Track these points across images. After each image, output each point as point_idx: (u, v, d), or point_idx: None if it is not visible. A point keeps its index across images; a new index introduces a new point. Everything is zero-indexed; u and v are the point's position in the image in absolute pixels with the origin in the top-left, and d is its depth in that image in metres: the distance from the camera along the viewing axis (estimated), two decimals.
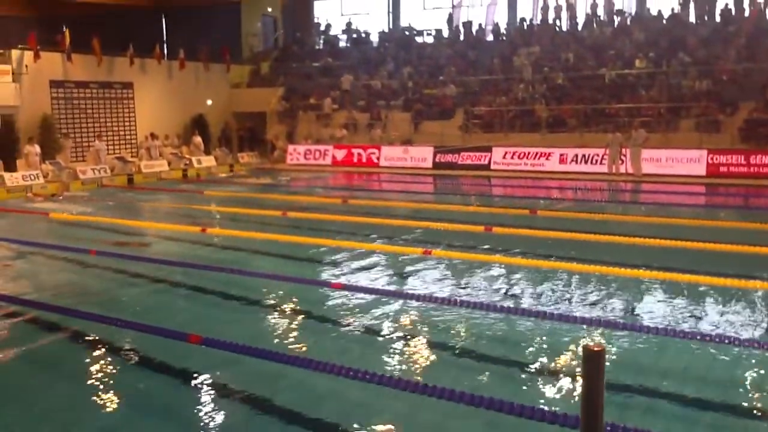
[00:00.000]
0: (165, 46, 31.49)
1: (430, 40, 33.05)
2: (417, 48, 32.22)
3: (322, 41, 35.75)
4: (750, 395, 5.50)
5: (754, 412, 5.25)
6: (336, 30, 35.81)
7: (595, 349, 2.18)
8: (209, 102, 29.50)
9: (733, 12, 26.66)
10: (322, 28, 36.29)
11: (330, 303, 8.18)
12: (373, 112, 27.83)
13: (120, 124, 26.08)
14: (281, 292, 8.56)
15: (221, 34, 31.62)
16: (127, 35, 27.13)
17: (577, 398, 5.05)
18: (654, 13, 28.65)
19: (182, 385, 5.84)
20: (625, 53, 25.72)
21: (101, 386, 5.87)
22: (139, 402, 5.61)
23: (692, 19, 27.65)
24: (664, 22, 27.61)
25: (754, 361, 6.13)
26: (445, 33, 32.80)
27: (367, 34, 34.66)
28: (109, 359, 6.47)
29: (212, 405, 5.45)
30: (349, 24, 35.09)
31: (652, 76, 24.09)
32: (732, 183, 18.73)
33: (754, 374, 5.87)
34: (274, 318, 7.76)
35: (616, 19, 29.08)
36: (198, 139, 26.57)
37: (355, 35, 34.72)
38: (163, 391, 5.80)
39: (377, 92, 29.05)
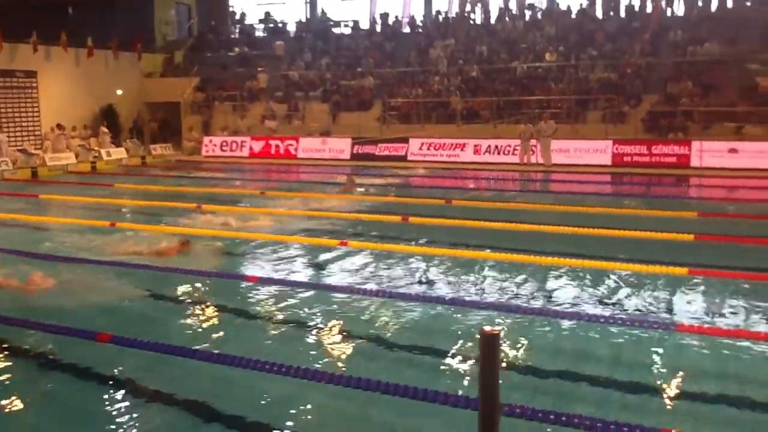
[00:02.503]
0: (72, 33, 30.14)
1: (347, 31, 33.04)
2: (335, 39, 32.14)
3: (237, 30, 35.16)
4: (656, 375, 5.78)
5: (661, 391, 5.50)
6: (252, 19, 35.31)
7: (491, 332, 2.27)
8: (119, 92, 28.50)
9: (637, 8, 27.91)
10: (238, 17, 35.68)
11: (245, 296, 8.10)
12: (290, 104, 27.60)
13: (23, 114, 24.84)
14: (195, 287, 8.40)
15: (132, 22, 30.59)
16: (30, 21, 25.80)
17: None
18: (564, 8, 29.63)
19: (90, 385, 5.66)
20: (536, 47, 26.50)
21: (4, 390, 5.61)
22: (46, 405, 5.40)
23: (599, 14, 28.76)
24: (573, 17, 28.61)
25: (656, 341, 6.42)
26: (363, 24, 32.89)
27: (284, 24, 34.31)
28: (11, 362, 6.18)
29: (126, 405, 5.30)
30: (266, 14, 34.65)
31: (561, 70, 24.92)
32: (635, 172, 19.65)
33: (658, 355, 6.15)
34: (188, 313, 7.60)
35: (528, 14, 29.90)
36: (104, 129, 25.58)
37: (271, 25, 34.31)
38: (71, 393, 5.60)
39: (295, 83, 28.81)
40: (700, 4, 27.21)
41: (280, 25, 34.21)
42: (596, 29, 26.82)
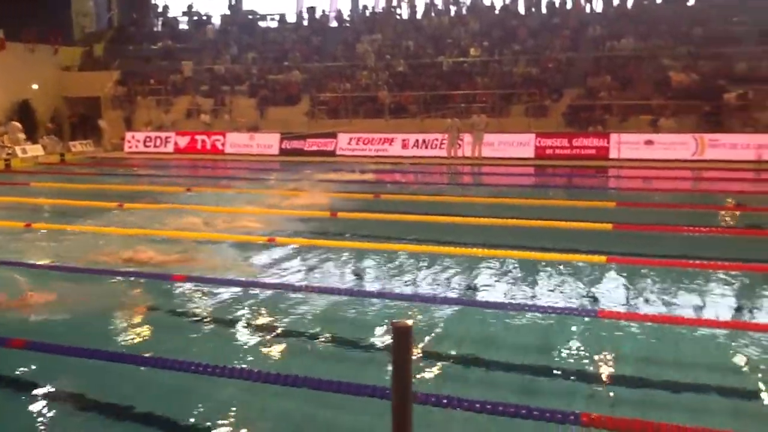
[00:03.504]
0: None
1: (273, 24, 32.69)
2: (261, 32, 31.76)
3: (160, 23, 34.28)
4: (578, 360, 5.94)
5: (582, 375, 5.65)
6: (175, 11, 34.55)
7: (403, 325, 2.33)
8: (35, 86, 27.33)
9: (558, 5, 28.68)
10: (160, 9, 34.80)
11: (172, 296, 7.93)
12: (217, 98, 27.12)
13: None
14: (119, 288, 8.17)
15: (48, 13, 29.37)
16: None
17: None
18: (487, 3, 30.16)
19: (7, 393, 5.44)
20: (461, 42, 26.89)
21: None
22: None
23: (522, 10, 29.42)
24: (497, 12, 29.16)
25: (578, 327, 6.62)
26: (289, 18, 32.66)
27: (209, 17, 33.68)
28: None
29: (48, 412, 5.10)
30: (189, 6, 33.89)
31: (485, 65, 25.38)
32: (557, 164, 20.23)
33: (580, 340, 6.32)
34: (112, 315, 7.37)
35: (453, 9, 30.29)
36: (15, 124, 24.44)
37: (195, 18, 33.61)
38: None
39: (221, 77, 28.32)
40: (616, 1, 28.18)
41: (204, 17, 33.54)
42: (519, 25, 27.42)
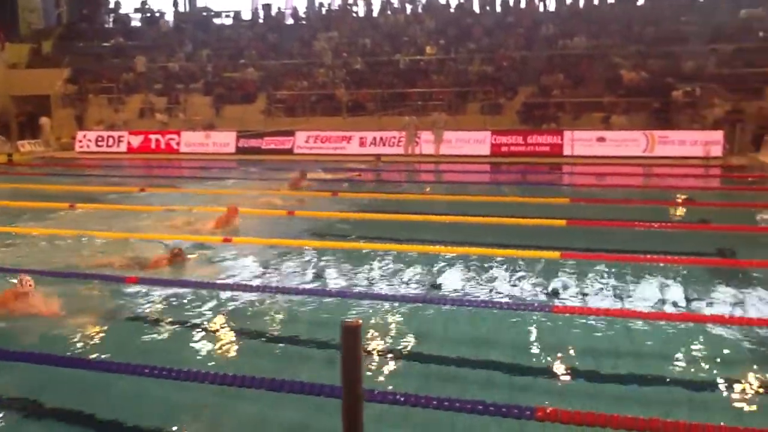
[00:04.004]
0: None
1: (228, 21, 32.36)
2: (216, 30, 31.40)
3: (112, 20, 33.60)
4: (534, 355, 6.05)
5: (538, 370, 5.76)
6: (127, 8, 33.91)
7: (352, 324, 2.33)
8: None
9: (512, 4, 28.99)
10: (112, 5, 34.10)
11: (124, 299, 7.77)
12: (171, 96, 26.69)
13: None
14: (68, 290, 7.97)
15: None
16: None
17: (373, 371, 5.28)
18: (443, 2, 30.33)
19: None
20: (417, 40, 26.99)
21: None
22: None
23: (477, 9, 29.66)
24: (452, 11, 29.34)
25: (533, 322, 6.71)
26: (244, 15, 32.37)
27: (162, 13, 33.13)
28: None
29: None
30: (143, 3, 33.27)
31: (441, 63, 25.52)
32: (512, 161, 20.45)
33: (535, 335, 6.45)
34: (62, 319, 7.19)
35: (409, 7, 30.39)
36: None
37: (148, 14, 33.03)
38: None
39: (175, 75, 27.89)
40: (569, 0, 28.62)
41: (157, 14, 32.99)
42: (474, 23, 27.65)
